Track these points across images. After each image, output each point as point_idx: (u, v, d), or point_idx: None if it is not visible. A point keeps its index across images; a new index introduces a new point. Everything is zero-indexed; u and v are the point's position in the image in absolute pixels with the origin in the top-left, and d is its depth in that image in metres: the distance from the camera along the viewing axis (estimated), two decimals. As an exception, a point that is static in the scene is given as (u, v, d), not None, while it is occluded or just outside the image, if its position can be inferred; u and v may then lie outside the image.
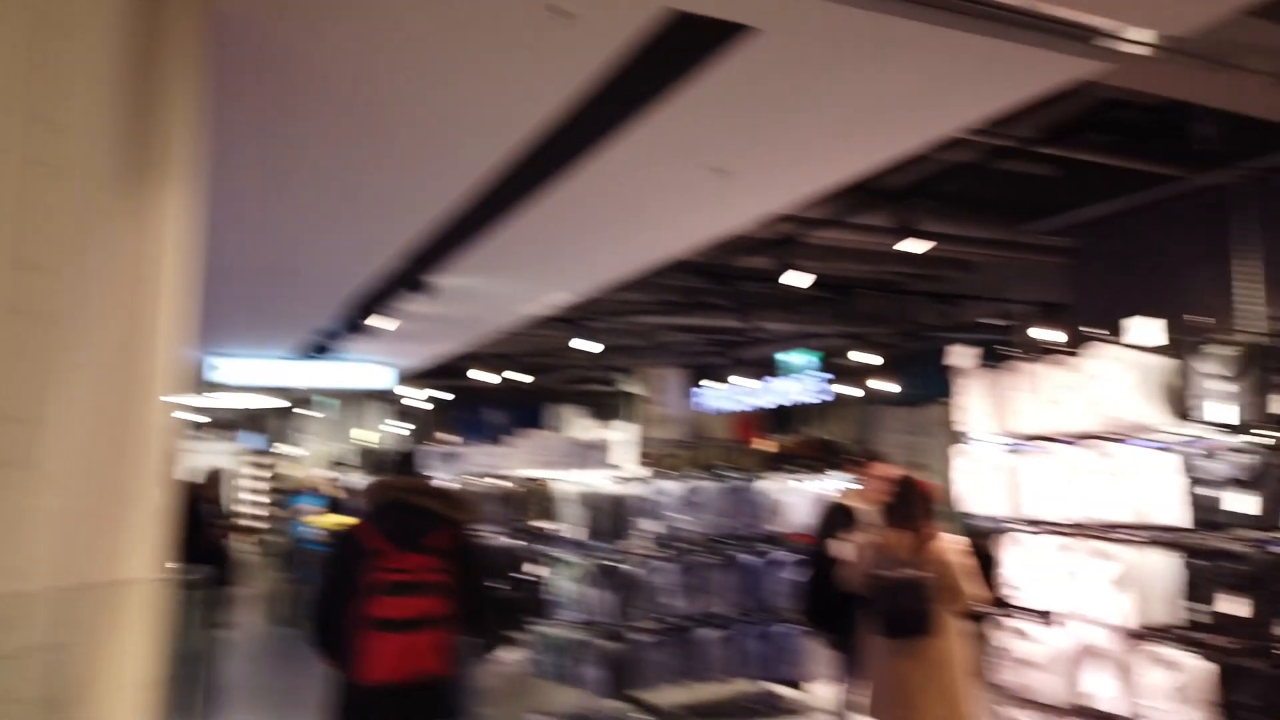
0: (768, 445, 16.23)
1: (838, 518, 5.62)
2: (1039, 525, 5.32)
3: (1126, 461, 4.65)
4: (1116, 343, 4.76)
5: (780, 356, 10.82)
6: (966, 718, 4.60)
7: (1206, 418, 4.41)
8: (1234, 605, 4.16)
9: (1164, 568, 4.66)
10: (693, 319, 10.16)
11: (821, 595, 5.54)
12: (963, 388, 5.69)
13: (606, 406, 17.55)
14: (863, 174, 4.80)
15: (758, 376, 12.56)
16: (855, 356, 10.80)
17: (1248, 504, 4.22)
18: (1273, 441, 4.34)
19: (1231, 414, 4.30)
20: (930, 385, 14.89)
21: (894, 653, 4.67)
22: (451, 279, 6.60)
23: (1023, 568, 5.21)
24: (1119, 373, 4.70)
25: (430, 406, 17.71)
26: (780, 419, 18.13)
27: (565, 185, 4.60)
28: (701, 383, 13.59)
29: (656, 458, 14.14)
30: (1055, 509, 5.02)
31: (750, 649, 7.12)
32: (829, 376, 10.91)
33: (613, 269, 6.90)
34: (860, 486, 5.72)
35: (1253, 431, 4.40)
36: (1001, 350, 5.63)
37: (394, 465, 4.10)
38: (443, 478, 10.88)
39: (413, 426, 17.42)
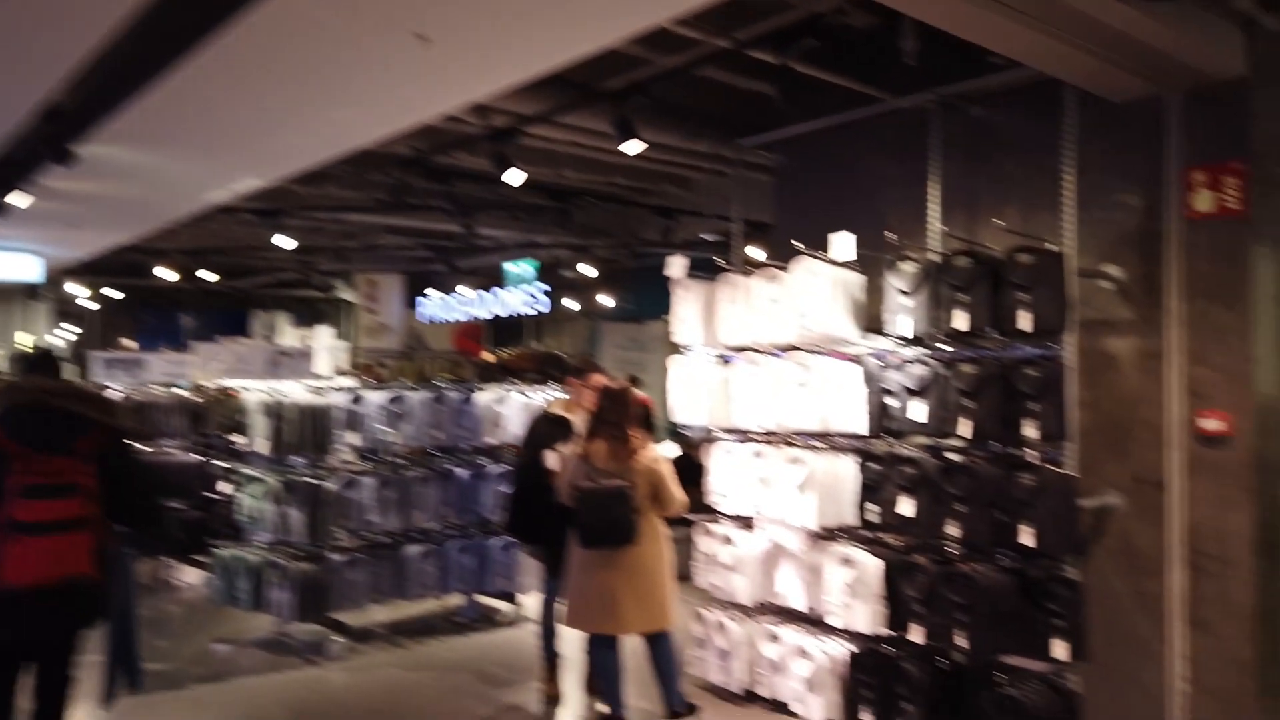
0: (490, 357, 15.92)
1: (546, 429, 5.45)
2: (742, 434, 5.46)
3: (820, 373, 4.82)
4: (818, 258, 4.88)
5: (506, 266, 10.45)
6: (666, 621, 4.67)
7: (891, 331, 4.65)
8: (905, 506, 4.47)
9: (847, 473, 4.93)
10: (407, 220, 9.49)
11: (526, 507, 5.38)
12: (678, 300, 5.66)
13: (321, 314, 16.31)
14: (570, 60, 4.49)
15: (484, 287, 12.13)
16: (580, 269, 10.69)
17: (919, 412, 4.51)
18: (944, 354, 4.66)
19: (910, 327, 4.55)
20: (653, 301, 15.22)
21: (596, 563, 4.61)
22: (102, 148, 5.54)
23: (727, 476, 5.33)
24: (817, 287, 4.84)
25: (99, 307, 15.54)
26: (505, 332, 17.84)
27: (232, 34, 3.84)
28: (425, 292, 12.93)
29: (365, 367, 13.39)
30: (757, 418, 5.15)
31: (459, 564, 6.89)
32: (546, 288, 10.69)
33: (307, 152, 6.14)
34: (572, 397, 5.57)
35: (928, 344, 4.70)
36: (717, 264, 5.65)
37: (30, 367, 3.91)
38: (117, 386, 9.57)
39: (82, 330, 15.24)
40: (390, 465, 6.71)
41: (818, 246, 4.90)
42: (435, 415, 6.82)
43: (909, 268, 4.59)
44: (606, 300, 13.76)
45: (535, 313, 11.09)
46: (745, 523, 5.38)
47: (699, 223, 8.28)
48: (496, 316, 12.29)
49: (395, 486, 6.63)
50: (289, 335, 17.74)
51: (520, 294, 11.33)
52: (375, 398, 6.60)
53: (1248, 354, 4.08)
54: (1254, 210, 4.13)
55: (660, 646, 4.75)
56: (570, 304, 14.49)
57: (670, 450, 4.71)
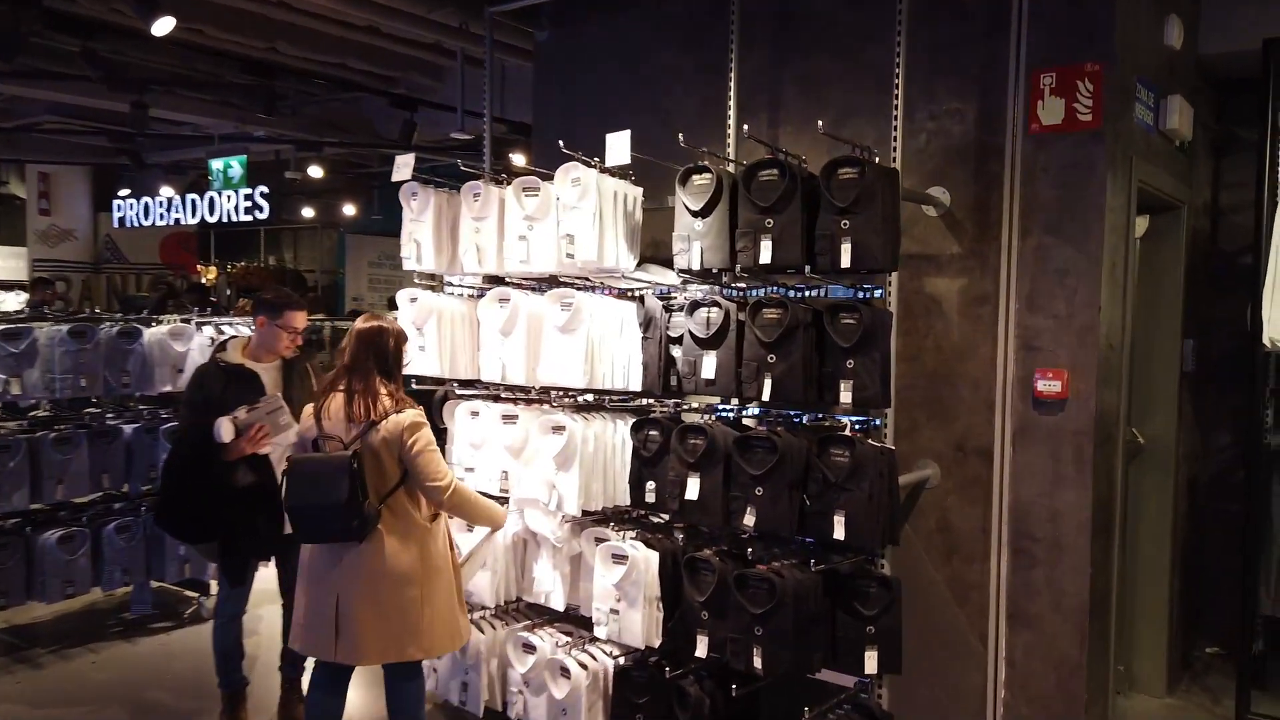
0: (209, 273, 13.64)
1: (219, 383, 4.01)
2: (490, 391, 4.29)
3: (587, 314, 3.72)
4: (586, 164, 3.72)
5: (211, 163, 8.47)
6: (417, 651, 3.40)
7: (679, 263, 3.61)
8: (691, 487, 3.50)
9: (620, 443, 3.91)
10: (62, 94, 7.30)
11: (184, 494, 3.95)
12: (409, 215, 4.32)
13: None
14: None
15: (197, 189, 9.97)
16: (310, 172, 8.91)
17: (710, 368, 3.53)
18: (742, 294, 3.69)
19: (700, 258, 3.53)
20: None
21: (321, 563, 3.33)
22: None
23: (471, 444, 4.15)
24: (585, 203, 3.69)
25: None
26: (232, 243, 15.41)
27: None
28: (119, 193, 10.52)
29: (37, 284, 10.84)
30: (507, 371, 3.98)
31: (122, 548, 5.30)
32: (265, 190, 8.84)
33: None
34: (260, 341, 4.15)
35: (723, 281, 3.71)
36: (467, 170, 4.36)
37: None
38: None
39: None
40: (13, 424, 4.96)
41: (589, 153, 3.73)
42: (80, 358, 5.09)
43: (701, 181, 3.53)
44: (349, 209, 11.94)
45: (253, 220, 9.18)
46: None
47: (450, 121, 6.85)
48: (207, 224, 10.19)
49: (18, 453, 4.90)
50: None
51: (236, 198, 9.34)
52: (-16, 334, 4.79)
53: (1093, 300, 3.40)
54: (1105, 127, 3.40)
55: (402, 691, 3.51)
56: (307, 212, 12.51)
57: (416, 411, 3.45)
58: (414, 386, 4.30)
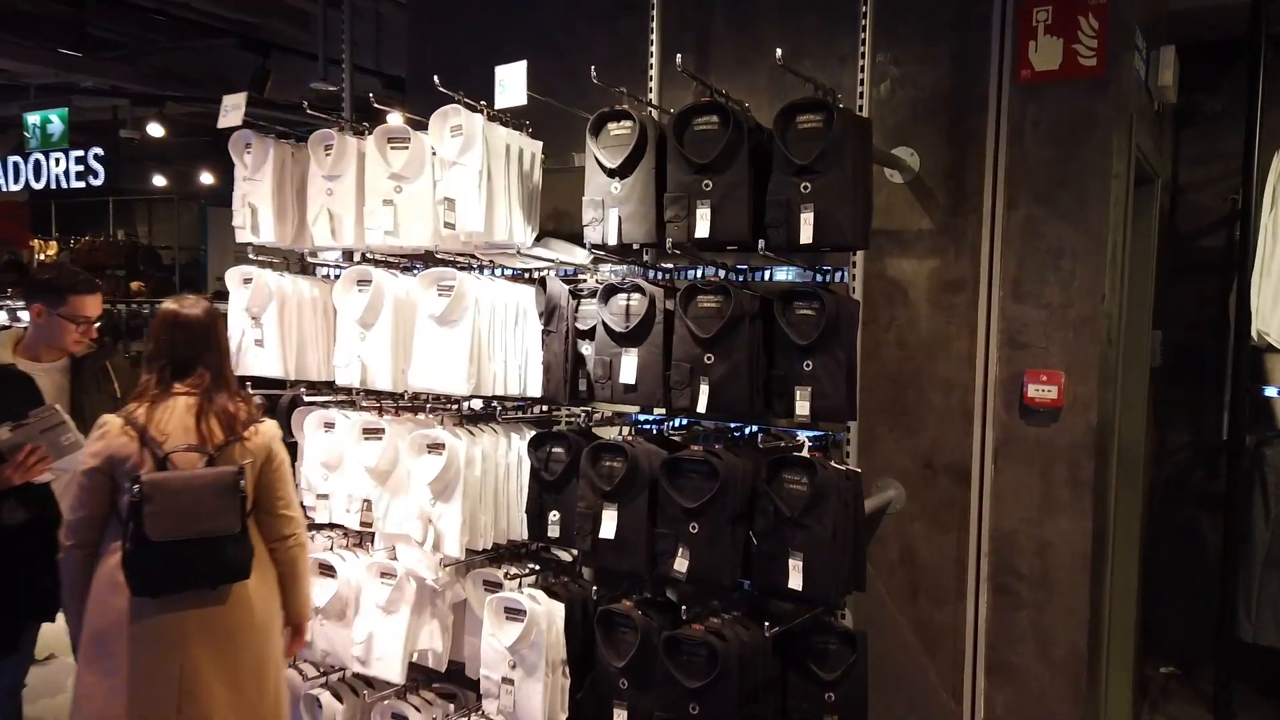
0: (49, 248, 12.07)
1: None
2: (349, 399, 3.43)
3: (472, 301, 2.91)
4: (471, 108, 2.91)
5: (27, 117, 7.17)
6: (282, 712, 2.66)
7: (590, 237, 2.83)
8: (607, 522, 2.75)
9: (515, 464, 3.12)
10: None
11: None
12: (244, 171, 3.41)
13: None
14: None
15: (18, 151, 8.57)
16: (150, 131, 7.69)
17: (630, 369, 2.79)
18: (671, 278, 2.95)
19: (618, 231, 2.77)
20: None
21: (166, 623, 2.42)
22: None
23: (325, 465, 3.28)
24: (468, 158, 2.88)
25: None
26: (77, 215, 13.74)
27: None
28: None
29: None
30: (370, 374, 3.13)
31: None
32: (99, 152, 7.61)
33: None
34: (37, 334, 3.17)
35: (646, 261, 2.96)
36: (317, 118, 3.47)
37: None
38: None
39: None
40: None
41: (477, 99, 2.92)
42: None
43: (620, 130, 2.76)
44: (208, 178, 10.66)
45: (86, 186, 7.91)
46: (355, 541, 3.41)
47: (312, 70, 5.86)
48: (40, 192, 8.82)
49: None
50: None
51: (66, 161, 8.04)
52: None
53: (1094, 286, 2.79)
54: (1109, 74, 2.79)
55: None
56: (159, 181, 11.14)
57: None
58: (248, 390, 3.40)
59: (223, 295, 9.93)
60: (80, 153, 8.17)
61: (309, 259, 3.62)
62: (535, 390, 3.07)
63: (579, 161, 3.24)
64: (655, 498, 2.70)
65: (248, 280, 3.35)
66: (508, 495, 3.08)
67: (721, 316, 2.63)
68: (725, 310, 2.63)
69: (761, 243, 2.53)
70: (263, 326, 3.32)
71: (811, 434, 2.70)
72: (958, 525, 3.00)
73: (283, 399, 3.56)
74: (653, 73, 3.10)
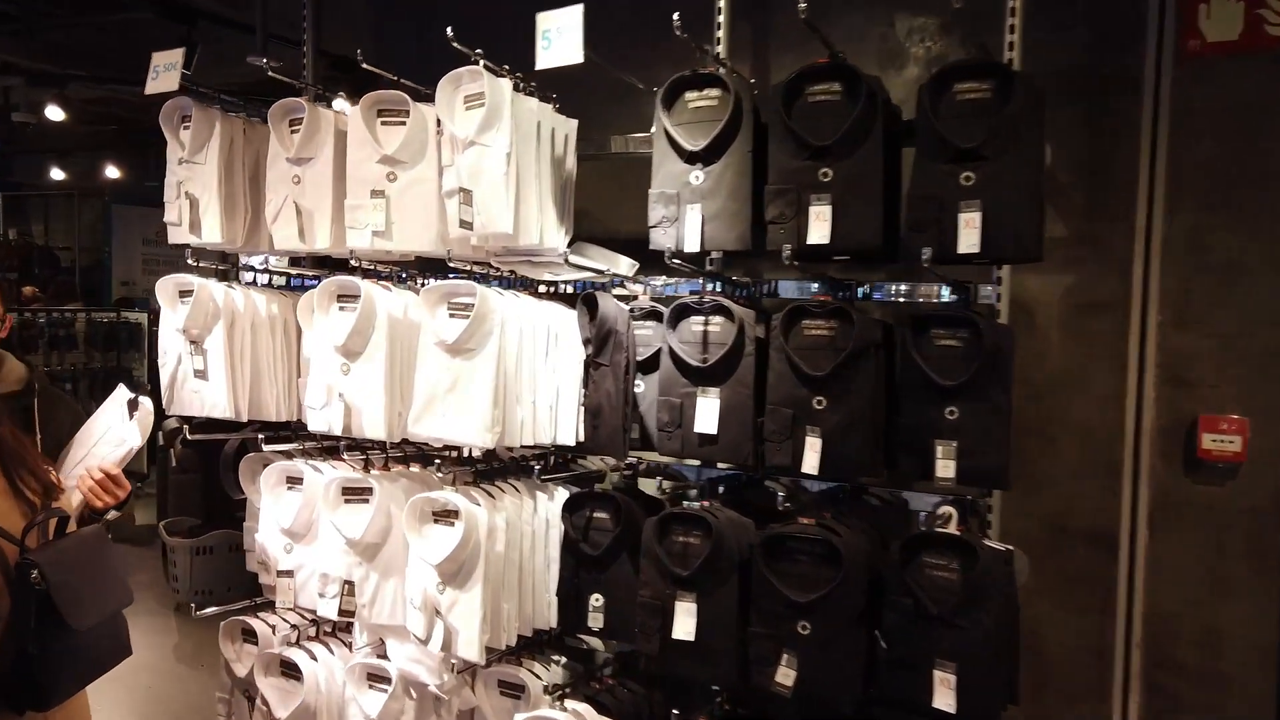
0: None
1: None
2: (322, 448, 2.69)
3: (498, 320, 2.21)
4: (500, 74, 2.22)
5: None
6: None
7: (661, 242, 2.17)
8: (682, 619, 2.08)
9: (542, 529, 2.43)
10: None
11: None
12: (181, 151, 2.64)
13: None
14: None
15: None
16: (48, 115, 6.65)
17: (710, 415, 2.13)
18: (765, 295, 2.30)
19: (697, 234, 2.11)
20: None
21: None
22: None
23: (287, 535, 2.53)
24: (497, 139, 2.19)
25: None
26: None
27: None
28: None
29: None
30: (361, 416, 2.38)
31: None
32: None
33: None
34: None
35: (731, 276, 2.30)
36: (276, 79, 2.73)
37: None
38: None
39: None
40: None
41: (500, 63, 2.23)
42: None
43: (706, 101, 2.11)
44: (113, 172, 9.58)
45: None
46: (327, 629, 2.66)
47: (247, 43, 5.03)
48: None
49: None
50: None
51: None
52: None
53: (1281, 314, 2.25)
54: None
55: None
56: (57, 174, 9.98)
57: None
58: (188, 436, 2.63)
59: (131, 302, 8.73)
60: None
61: (255, 267, 2.84)
62: (567, 437, 2.39)
63: (612, 147, 2.58)
64: (748, 586, 2.06)
65: (186, 293, 2.57)
66: (531, 572, 2.38)
67: (837, 348, 2.01)
68: (843, 340, 2.01)
69: (892, 254, 1.91)
70: (206, 353, 2.55)
71: (941, 498, 2.09)
72: (1099, 605, 2.42)
73: (227, 445, 2.80)
74: (719, 28, 2.44)
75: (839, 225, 1.96)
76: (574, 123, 2.49)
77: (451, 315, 2.26)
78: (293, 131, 2.53)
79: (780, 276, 2.23)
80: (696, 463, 2.30)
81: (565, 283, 2.53)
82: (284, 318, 2.68)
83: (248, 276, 2.81)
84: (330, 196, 2.48)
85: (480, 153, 2.23)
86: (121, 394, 2.06)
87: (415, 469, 2.52)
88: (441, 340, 2.24)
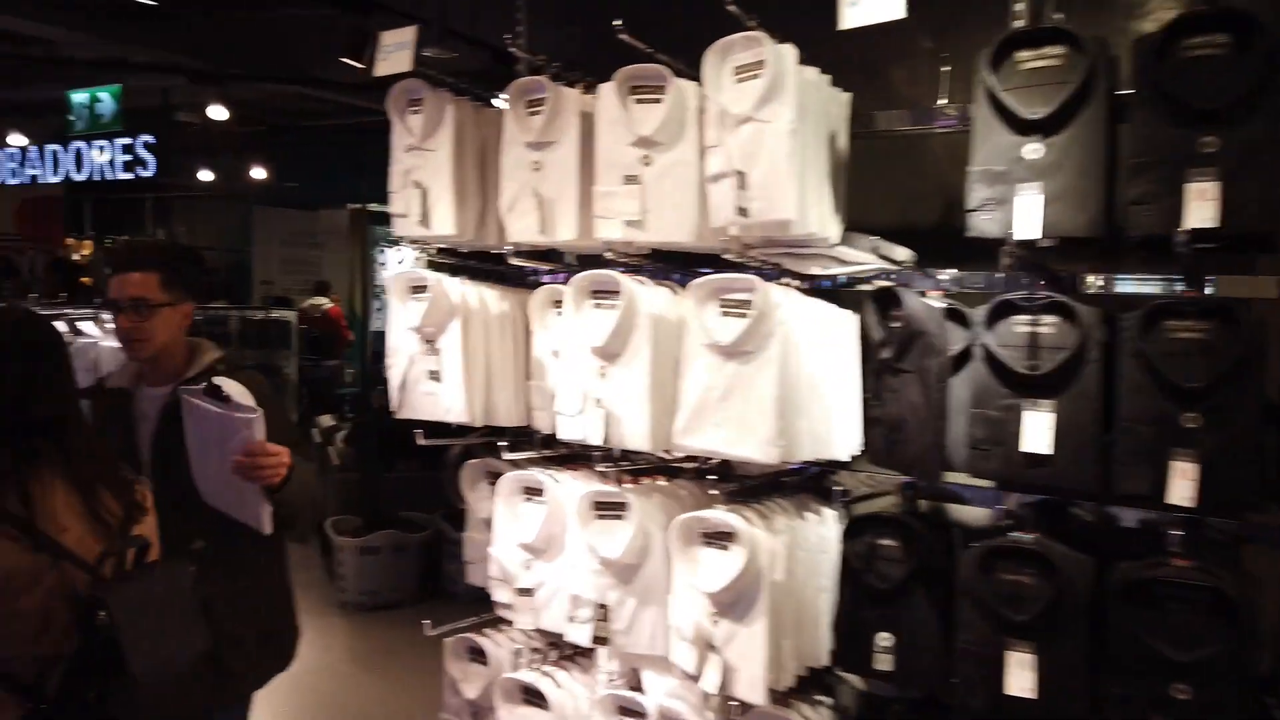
0: (83, 248, 11.20)
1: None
2: (567, 458, 2.48)
3: (779, 320, 1.94)
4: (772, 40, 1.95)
5: (74, 96, 6.28)
6: None
7: (983, 227, 1.87)
8: (1019, 670, 1.78)
9: (815, 551, 2.16)
10: None
11: None
12: (410, 137, 2.47)
13: None
14: None
15: (60, 140, 7.69)
16: (211, 114, 6.78)
17: (1042, 431, 1.82)
18: (1117, 288, 1.97)
19: (1040, 218, 1.80)
20: (331, 178, 11.35)
21: None
22: None
23: (527, 543, 2.33)
24: (780, 113, 1.93)
25: None
26: (113, 213, 12.89)
27: None
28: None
29: None
30: (622, 425, 2.15)
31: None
32: (150, 139, 6.72)
33: None
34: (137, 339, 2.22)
35: (1070, 277, 1.98)
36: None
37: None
38: None
39: None
40: None
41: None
42: None
43: (1047, 60, 1.79)
44: (260, 173, 9.77)
45: (135, 177, 7.02)
46: (565, 654, 2.45)
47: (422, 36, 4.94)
48: (76, 187, 7.95)
49: None
50: None
51: (111, 150, 7.16)
52: None
53: None
54: None
55: None
56: (205, 175, 10.24)
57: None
58: (421, 441, 2.46)
59: (281, 301, 8.80)
60: (128, 140, 7.27)
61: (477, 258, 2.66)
62: (842, 451, 2.11)
63: (881, 124, 2.29)
64: (1102, 636, 1.74)
65: (418, 289, 2.40)
66: (803, 603, 2.11)
67: (1214, 354, 1.67)
68: (1223, 344, 1.67)
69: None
70: (440, 353, 2.38)
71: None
72: None
73: (451, 451, 2.63)
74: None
75: (1232, 202, 1.62)
76: (847, 96, 2.21)
77: (725, 313, 2.02)
78: (530, 113, 2.33)
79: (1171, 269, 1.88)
80: (988, 484, 1.99)
81: (832, 277, 2.26)
82: (514, 315, 2.49)
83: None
84: (575, 184, 2.27)
85: (758, 130, 1.98)
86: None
87: (662, 482, 2.29)
88: (714, 341, 1.99)
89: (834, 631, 2.11)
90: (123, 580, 1.55)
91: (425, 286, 2.38)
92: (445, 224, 2.42)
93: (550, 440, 2.44)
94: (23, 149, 7.84)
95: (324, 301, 10.26)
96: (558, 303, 2.38)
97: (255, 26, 6.37)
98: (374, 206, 12.02)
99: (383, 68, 2.40)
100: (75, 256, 11.10)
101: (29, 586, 1.49)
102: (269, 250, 12.58)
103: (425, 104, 2.41)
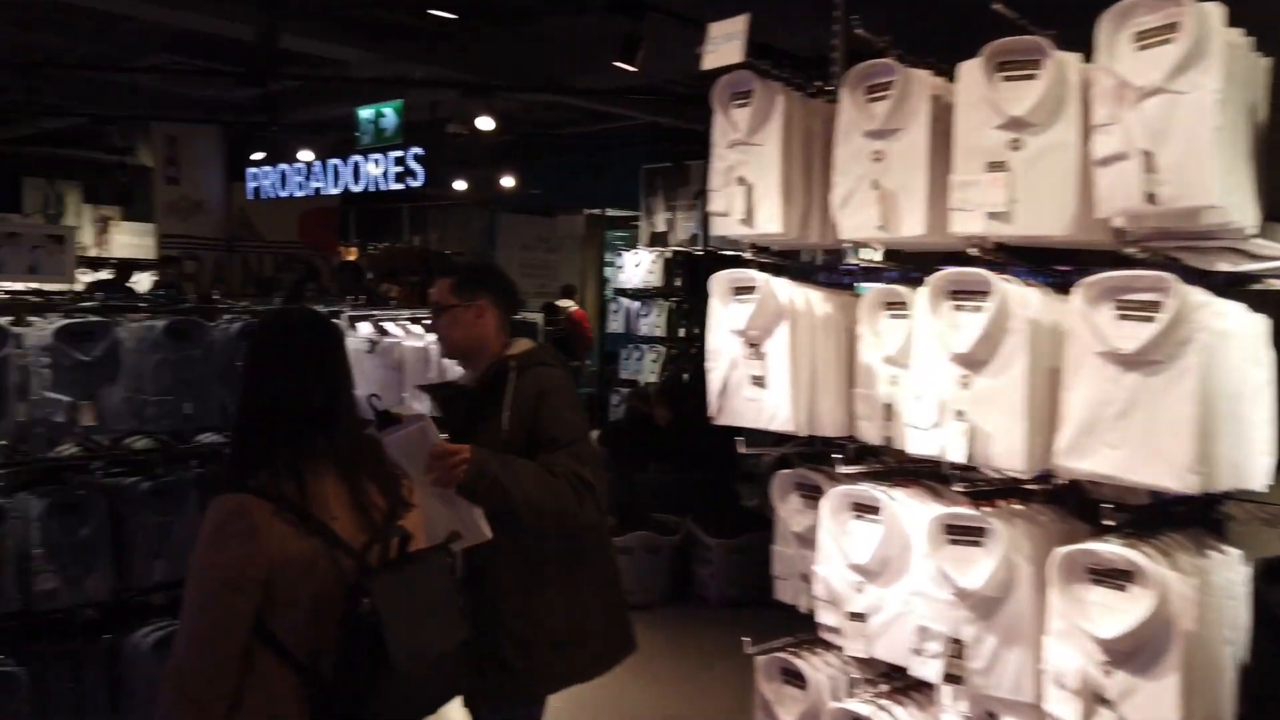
0: (350, 254, 12.19)
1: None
2: (876, 460, 2.29)
3: (1194, 327, 1.66)
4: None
5: (360, 112, 6.80)
6: None
7: None
8: None
9: (1220, 595, 1.84)
10: (178, 10, 5.67)
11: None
12: (734, 131, 2.36)
13: (127, 190, 12.04)
14: None
15: (339, 154, 8.37)
16: (478, 124, 7.11)
17: None
18: None
19: None
20: (569, 184, 11.72)
21: None
22: None
23: (859, 564, 2.17)
24: (1203, 87, 1.64)
25: None
26: (369, 222, 13.98)
27: None
28: (253, 158, 9.08)
29: (165, 264, 9.48)
30: (985, 438, 1.93)
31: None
32: (419, 151, 7.11)
33: None
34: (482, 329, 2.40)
35: None
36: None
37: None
38: None
39: None
40: (54, 473, 3.25)
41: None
42: (183, 370, 3.36)
43: None
44: (508, 181, 10.20)
45: (405, 188, 7.50)
46: (905, 691, 2.25)
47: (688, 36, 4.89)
48: (349, 195, 8.61)
49: (94, 514, 3.20)
50: (86, 216, 13.52)
51: (385, 163, 7.68)
52: (38, 333, 3.09)
53: None
54: None
55: None
56: (459, 185, 10.81)
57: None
58: (743, 450, 2.34)
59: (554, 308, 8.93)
60: (400, 153, 7.76)
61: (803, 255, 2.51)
62: (1254, 479, 1.78)
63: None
64: None
65: (743, 290, 2.29)
66: (1220, 661, 1.80)
67: None
68: None
69: None
70: (765, 357, 2.25)
71: None
72: None
73: (763, 459, 2.50)
74: None
75: None
76: (1266, 62, 1.88)
77: (1123, 316, 1.75)
78: (871, 99, 2.15)
79: None
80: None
81: (1246, 274, 1.92)
82: (836, 318, 2.33)
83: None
84: (925, 174, 2.07)
85: (1170, 102, 1.70)
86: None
87: (1016, 506, 2.04)
88: (1112, 349, 1.73)
89: (1242, 691, 1.79)
90: (385, 569, 1.60)
91: (751, 287, 2.26)
92: (771, 222, 2.29)
93: (868, 451, 2.27)
94: (308, 164, 8.57)
95: (569, 304, 10.57)
96: (890, 304, 2.20)
97: (519, 39, 6.61)
98: (611, 211, 12.36)
99: (711, 60, 2.31)
100: (345, 257, 12.13)
101: (305, 571, 1.58)
102: (510, 254, 13.18)
103: (754, 96, 2.29)
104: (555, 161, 11.78)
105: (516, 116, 9.01)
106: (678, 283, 9.40)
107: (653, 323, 9.75)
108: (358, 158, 8.14)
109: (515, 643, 2.21)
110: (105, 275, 10.25)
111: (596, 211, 11.74)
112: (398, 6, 6.15)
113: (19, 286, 5.83)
